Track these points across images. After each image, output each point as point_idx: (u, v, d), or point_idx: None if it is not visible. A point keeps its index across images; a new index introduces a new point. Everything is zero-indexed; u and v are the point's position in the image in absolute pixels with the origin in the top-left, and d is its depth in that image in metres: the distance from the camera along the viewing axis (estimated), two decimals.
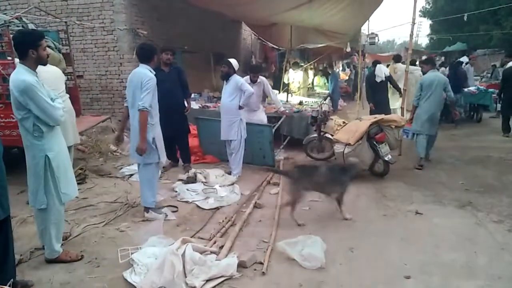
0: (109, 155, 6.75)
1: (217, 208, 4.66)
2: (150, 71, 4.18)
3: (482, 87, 11.49)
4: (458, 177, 5.86)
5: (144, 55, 4.25)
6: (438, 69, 10.66)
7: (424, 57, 17.90)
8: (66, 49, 7.23)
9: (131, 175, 5.75)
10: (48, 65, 4.03)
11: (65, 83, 5.01)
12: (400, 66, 9.77)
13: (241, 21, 12.84)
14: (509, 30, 18.05)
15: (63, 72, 6.27)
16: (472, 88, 10.94)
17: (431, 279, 3.10)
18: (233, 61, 5.90)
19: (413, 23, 7.02)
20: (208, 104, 8.33)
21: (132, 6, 7.95)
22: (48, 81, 3.79)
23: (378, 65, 8.58)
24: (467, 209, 4.58)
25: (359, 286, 3.04)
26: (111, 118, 7.81)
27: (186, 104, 6.18)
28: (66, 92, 5.19)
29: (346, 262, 3.39)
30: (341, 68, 19.31)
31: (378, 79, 8.32)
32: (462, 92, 10.58)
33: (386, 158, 5.69)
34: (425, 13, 28.21)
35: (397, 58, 10.34)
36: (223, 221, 4.21)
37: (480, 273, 3.18)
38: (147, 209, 4.37)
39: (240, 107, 5.80)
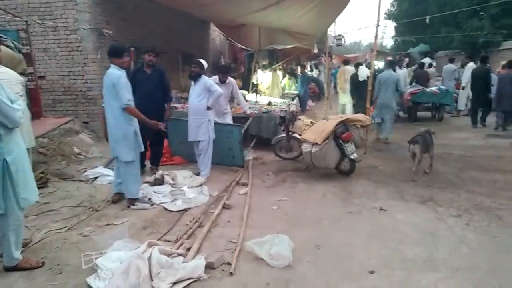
0: (72, 158, 6.55)
1: (185, 210, 4.62)
2: (119, 69, 4.35)
3: (443, 87, 11.94)
4: (420, 173, 6.05)
5: (112, 52, 4.42)
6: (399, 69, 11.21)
7: (389, 58, 18.44)
8: (27, 49, 6.98)
9: (96, 178, 5.60)
10: (0, 66, 4.03)
11: (23, 85, 4.82)
12: (348, 68, 10.80)
13: (210, 22, 12.78)
14: (469, 33, 18.85)
15: (24, 73, 6.06)
16: (434, 88, 11.34)
17: (394, 273, 3.19)
18: (203, 61, 5.89)
19: (378, 25, 7.23)
20: (176, 105, 8.24)
21: (96, 5, 7.75)
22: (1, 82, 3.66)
23: (360, 67, 9.53)
24: (428, 205, 4.74)
25: (325, 282, 3.09)
26: (74, 120, 7.59)
27: (166, 109, 5.96)
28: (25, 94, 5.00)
29: (313, 259, 3.44)
30: (309, 69, 19.56)
31: (360, 79, 9.17)
32: (425, 91, 10.99)
33: (352, 157, 5.82)
34: (390, 16, 28.99)
35: (346, 62, 11.52)
36: (190, 222, 4.18)
37: (440, 266, 3.30)
38: (132, 202, 4.57)
39: (209, 108, 5.77)
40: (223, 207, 4.66)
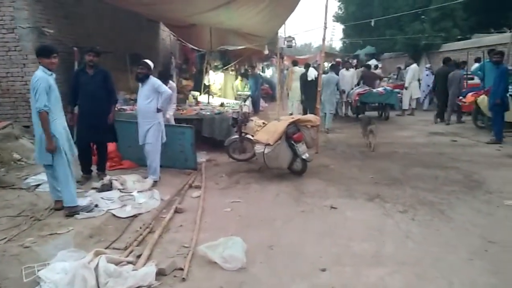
0: (12, 165, 6.14)
1: (135, 216, 4.47)
2: (45, 71, 4.17)
3: (388, 87, 12.49)
4: (368, 171, 6.29)
5: (40, 52, 4.26)
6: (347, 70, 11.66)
7: (337, 59, 19.01)
8: None
9: (38, 185, 5.27)
10: None
11: None
12: (297, 68, 11.97)
13: (159, 22, 12.50)
14: (411, 35, 19.82)
15: None
16: (380, 89, 11.82)
17: (344, 269, 3.27)
18: (149, 62, 5.73)
19: (325, 27, 7.42)
20: (125, 107, 7.97)
21: (35, 2, 7.30)
22: None
23: (310, 68, 10.67)
24: (376, 202, 4.92)
25: (278, 282, 3.11)
26: (13, 124, 7.11)
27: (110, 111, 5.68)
28: None
29: (266, 260, 3.45)
30: (261, 70, 19.73)
31: (309, 78, 10.26)
32: (372, 92, 11.43)
33: (303, 157, 5.92)
34: (338, 18, 29.84)
35: (294, 63, 12.70)
36: (140, 228, 4.05)
37: (388, 260, 3.43)
38: (70, 210, 4.30)
39: (159, 110, 5.63)
40: (175, 211, 4.57)
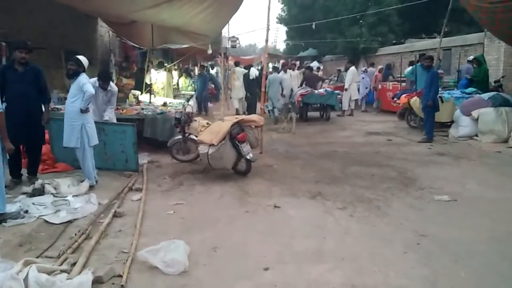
0: None
1: (70, 222, 4.22)
2: None
3: (329, 89, 12.92)
4: (310, 170, 6.45)
5: None
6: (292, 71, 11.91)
7: (281, 61, 19.33)
8: None
9: None
10: None
11: None
12: (238, 69, 13.21)
13: (97, 17, 11.93)
14: (350, 39, 20.69)
15: None
16: (321, 90, 12.19)
17: (287, 267, 3.32)
18: (82, 58, 5.39)
19: (268, 29, 7.51)
20: (58, 106, 7.50)
21: None
22: None
23: (251, 68, 12.69)
24: (317, 199, 5.05)
25: (221, 284, 3.08)
26: None
27: (43, 111, 5.29)
28: None
29: (210, 262, 3.41)
30: (205, 70, 19.57)
31: (251, 77, 12.14)
32: (313, 93, 11.76)
33: (248, 157, 5.94)
34: (281, 20, 30.39)
35: (236, 63, 13.97)
36: (76, 234, 3.82)
37: (328, 257, 3.52)
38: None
39: (83, 111, 5.26)
40: (114, 216, 4.38)
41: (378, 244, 3.77)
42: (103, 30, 13.04)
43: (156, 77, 11.91)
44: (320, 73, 18.99)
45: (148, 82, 11.02)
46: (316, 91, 12.00)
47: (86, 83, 5.27)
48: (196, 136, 6.26)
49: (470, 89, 10.02)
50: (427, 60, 8.76)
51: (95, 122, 5.64)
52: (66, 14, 10.00)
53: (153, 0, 7.37)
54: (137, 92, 10.18)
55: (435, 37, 17.71)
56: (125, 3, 7.71)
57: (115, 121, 6.61)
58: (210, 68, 20.48)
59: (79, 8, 9.68)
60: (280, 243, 3.78)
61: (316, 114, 12.72)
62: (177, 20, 8.93)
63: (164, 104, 8.85)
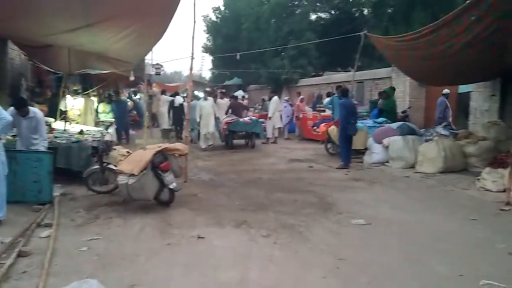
0: None
1: None
2: None
3: (254, 117, 13.23)
4: (236, 198, 6.45)
5: None
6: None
7: (207, 89, 19.44)
8: None
9: None
10: None
11: None
12: (164, 97, 15.11)
13: (7, 39, 11.05)
14: (273, 70, 21.57)
15: None
16: (246, 118, 12.43)
17: None
18: None
19: (192, 58, 7.55)
20: None
21: None
22: None
23: (177, 96, 13.99)
24: (242, 228, 5.03)
25: None
26: None
27: None
28: None
29: None
30: (127, 96, 19.02)
31: (176, 104, 13.39)
32: (239, 121, 11.95)
33: (171, 186, 5.77)
34: (207, 49, 30.83)
35: (163, 92, 16.09)
36: None
37: (252, 286, 3.49)
38: None
39: None
40: (19, 255, 3.94)
41: (300, 270, 3.83)
42: (15, 53, 12.08)
43: (73, 103, 11.25)
44: (246, 102, 19.41)
45: (63, 109, 10.34)
46: (241, 119, 12.21)
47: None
48: (115, 166, 5.97)
49: (380, 119, 10.89)
50: (341, 91, 9.46)
51: (6, 150, 5.14)
52: None
53: (70, 24, 7.05)
54: (51, 119, 9.48)
55: (349, 71, 19.13)
56: (40, 26, 7.29)
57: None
58: (133, 95, 19.96)
59: None
60: (204, 275, 3.67)
61: (242, 141, 12.88)
62: (97, 46, 8.62)
63: (81, 132, 8.34)
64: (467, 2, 6.44)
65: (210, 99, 12.49)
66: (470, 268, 3.80)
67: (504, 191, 6.20)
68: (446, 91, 11.01)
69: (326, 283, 3.56)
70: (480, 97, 10.28)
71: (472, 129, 10.07)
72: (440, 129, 9.43)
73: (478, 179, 7.12)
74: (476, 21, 6.44)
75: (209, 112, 12.02)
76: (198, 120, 11.86)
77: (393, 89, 11.99)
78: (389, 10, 17.53)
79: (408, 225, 5.18)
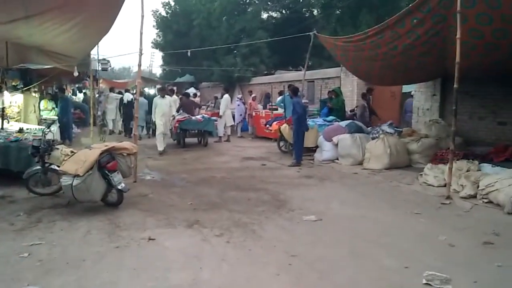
0: None
1: None
2: None
3: (206, 115, 13.09)
4: (188, 198, 6.34)
5: None
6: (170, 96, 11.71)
7: (158, 86, 19.00)
8: None
9: None
10: None
11: None
12: (112, 94, 15.82)
13: None
14: (225, 68, 21.48)
15: None
16: (198, 116, 12.26)
17: None
18: None
19: (141, 53, 7.30)
20: None
21: None
22: None
23: (126, 93, 15.21)
24: (195, 228, 4.95)
25: None
26: None
27: None
28: None
29: None
30: (71, 93, 18.14)
31: (125, 101, 14.39)
32: (191, 119, 11.77)
33: (119, 187, 5.56)
34: (157, 45, 30.02)
35: (111, 89, 16.56)
36: None
37: (204, 287, 3.44)
38: None
39: None
40: None
41: (253, 268, 3.83)
42: None
43: (11, 100, 10.51)
44: (198, 100, 19.16)
45: (1, 106, 9.63)
46: (193, 117, 12.03)
47: None
48: (59, 166, 5.65)
49: (330, 118, 11.19)
50: (292, 90, 9.62)
51: None
52: None
53: (7, 15, 6.57)
54: None
55: (300, 70, 19.49)
56: None
57: None
58: (78, 92, 19.06)
59: None
60: (154, 278, 3.56)
61: (194, 140, 12.71)
62: (37, 39, 8.12)
63: (20, 130, 7.82)
64: (410, 5, 6.77)
65: (168, 97, 11.91)
66: (415, 260, 3.99)
67: (444, 185, 6.57)
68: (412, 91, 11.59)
69: (279, 280, 3.58)
70: (422, 96, 10.86)
71: (415, 127, 10.63)
72: (385, 127, 9.84)
73: (421, 174, 7.51)
74: (418, 24, 6.80)
75: (167, 112, 11.26)
76: (154, 119, 11.16)
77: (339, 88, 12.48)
78: (338, 12, 18.09)
79: (356, 220, 5.35)
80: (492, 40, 6.50)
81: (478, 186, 6.20)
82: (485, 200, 5.98)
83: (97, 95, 15.28)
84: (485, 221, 5.25)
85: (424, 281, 3.50)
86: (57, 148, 5.93)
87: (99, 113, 15.16)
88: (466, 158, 7.44)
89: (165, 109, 11.17)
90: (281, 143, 11.09)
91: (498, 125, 9.11)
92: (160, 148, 10.90)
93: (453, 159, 6.49)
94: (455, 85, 6.12)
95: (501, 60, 7.10)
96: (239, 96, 17.06)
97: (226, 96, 14.19)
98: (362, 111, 11.72)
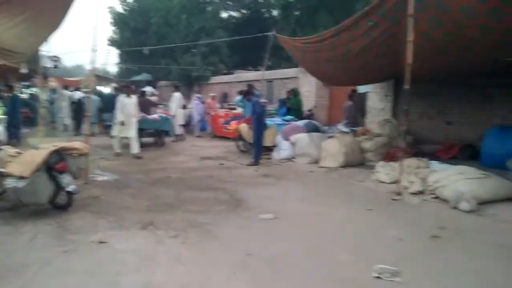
0: None
1: None
2: None
3: (164, 114, 12.83)
4: (143, 199, 6.17)
5: None
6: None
7: (114, 85, 18.44)
8: None
9: None
10: None
11: None
12: (65, 92, 15.66)
13: None
14: (184, 66, 21.18)
15: None
16: (155, 115, 12.00)
17: None
18: None
19: (94, 50, 7.04)
20: None
21: None
22: None
23: (76, 91, 15.62)
24: (149, 229, 4.82)
25: None
26: None
27: None
28: None
29: None
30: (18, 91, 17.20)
31: (75, 100, 14.79)
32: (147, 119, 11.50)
33: (69, 189, 5.31)
34: (113, 43, 29.04)
35: (65, 87, 16.29)
36: None
37: None
38: None
39: None
40: None
41: (209, 269, 3.79)
42: None
43: None
44: (155, 98, 18.73)
45: None
46: (149, 117, 11.74)
47: None
48: (3, 168, 5.32)
49: (288, 117, 11.32)
50: (246, 93, 9.74)
51: None
52: None
53: None
54: None
55: (259, 70, 19.58)
56: None
57: None
58: (25, 89, 18.11)
59: None
60: (104, 283, 3.43)
61: (150, 140, 12.42)
62: None
63: None
64: (365, 8, 6.96)
65: (134, 97, 10.78)
66: (366, 254, 4.10)
67: (395, 182, 6.83)
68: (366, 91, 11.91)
69: (235, 279, 3.57)
70: (376, 97, 11.24)
71: (369, 126, 10.98)
72: (341, 127, 10.10)
73: (374, 172, 7.76)
74: (373, 27, 6.99)
75: (132, 113, 10.16)
76: (119, 119, 10.06)
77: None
78: (297, 13, 18.34)
79: (312, 217, 5.44)
80: (442, 44, 6.80)
81: (426, 183, 6.49)
82: (433, 196, 6.27)
83: (49, 93, 14.62)
84: (433, 215, 5.50)
85: (375, 275, 3.61)
86: (1, 149, 5.59)
87: (55, 110, 14.71)
88: (416, 156, 7.76)
89: (131, 110, 10.17)
90: (240, 143, 11.07)
91: (446, 124, 9.60)
92: (118, 150, 10.32)
93: (404, 157, 6.76)
94: (406, 86, 6.37)
95: (450, 62, 7.46)
96: (198, 95, 16.88)
97: (177, 94, 14.11)
98: (349, 112, 11.75)
